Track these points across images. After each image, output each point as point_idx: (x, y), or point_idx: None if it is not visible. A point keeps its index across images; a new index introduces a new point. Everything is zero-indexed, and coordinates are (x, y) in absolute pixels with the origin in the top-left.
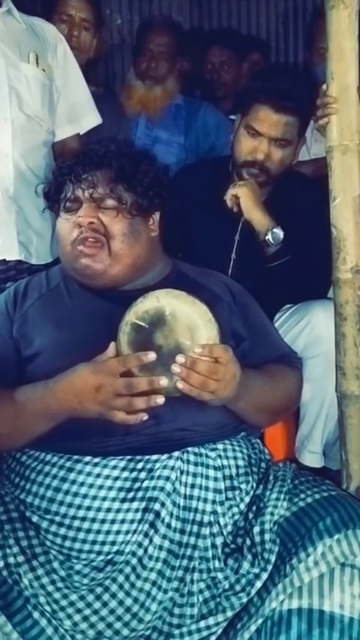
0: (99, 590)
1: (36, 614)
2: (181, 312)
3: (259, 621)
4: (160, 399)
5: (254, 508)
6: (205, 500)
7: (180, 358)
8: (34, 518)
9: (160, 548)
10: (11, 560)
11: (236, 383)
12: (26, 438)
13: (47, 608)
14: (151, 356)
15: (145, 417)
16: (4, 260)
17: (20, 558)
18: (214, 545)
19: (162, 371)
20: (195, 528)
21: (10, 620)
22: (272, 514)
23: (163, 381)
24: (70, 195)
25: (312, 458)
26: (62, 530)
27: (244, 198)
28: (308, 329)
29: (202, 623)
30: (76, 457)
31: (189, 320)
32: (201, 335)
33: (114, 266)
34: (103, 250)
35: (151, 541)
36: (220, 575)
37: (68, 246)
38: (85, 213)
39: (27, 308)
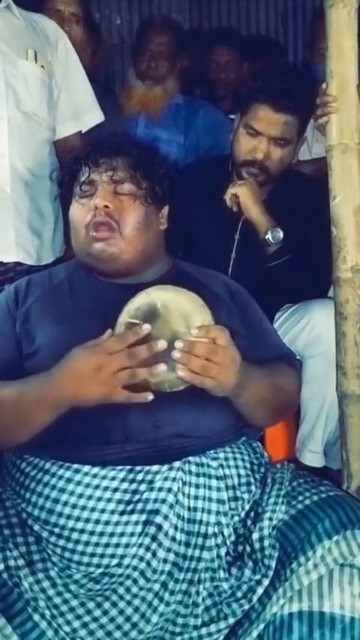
0: (100, 598)
1: (36, 617)
2: (172, 301)
3: (261, 627)
4: (162, 367)
5: (252, 514)
6: (209, 512)
7: (178, 343)
8: (36, 527)
9: (165, 561)
10: (12, 562)
11: (237, 368)
12: (28, 430)
13: (47, 612)
14: (146, 327)
15: (151, 396)
16: (2, 262)
17: (20, 562)
18: (218, 556)
19: (163, 364)
20: (200, 540)
21: (10, 622)
22: (271, 519)
23: (162, 343)
24: (85, 178)
25: (313, 457)
26: (61, 542)
27: (243, 198)
28: (308, 328)
29: (204, 630)
30: (75, 467)
31: (181, 308)
32: (195, 320)
33: (128, 251)
34: (115, 234)
35: (154, 555)
36: (225, 585)
37: (82, 231)
38: (102, 195)
39: (29, 305)
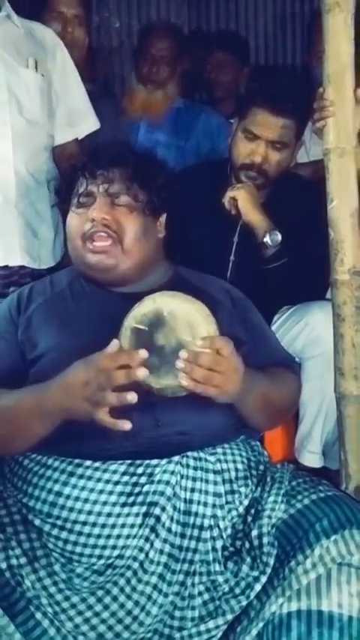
0: (100, 592)
1: (38, 615)
2: (178, 309)
3: (260, 625)
4: (132, 397)
5: (252, 511)
6: (205, 504)
7: (183, 353)
8: (37, 522)
9: (161, 552)
10: (14, 561)
11: (239, 377)
12: (25, 440)
13: (49, 609)
14: (142, 353)
15: (127, 426)
16: (6, 265)
17: (23, 560)
18: (214, 549)
19: (166, 370)
20: (195, 532)
21: (12, 621)
22: (270, 517)
23: (141, 372)
24: (83, 190)
25: (311, 458)
26: (63, 534)
27: (241, 201)
28: (307, 330)
29: (203, 627)
30: (76, 461)
31: (187, 316)
32: (201, 330)
33: (125, 261)
34: (115, 246)
35: (152, 545)
36: (220, 579)
37: (78, 240)
38: (99, 208)
39: (31, 312)
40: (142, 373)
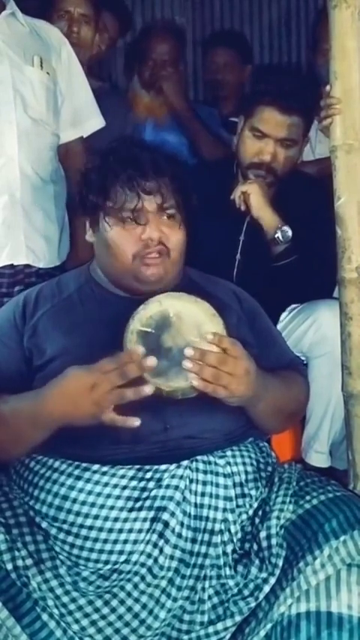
0: (107, 596)
1: (45, 616)
2: (184, 311)
3: (268, 626)
4: (148, 389)
5: (260, 512)
6: (216, 509)
7: (189, 350)
8: (43, 525)
9: (172, 557)
10: (20, 562)
11: (251, 380)
12: (22, 447)
13: (55, 611)
14: (152, 362)
15: (137, 422)
16: (12, 264)
17: (29, 561)
18: (225, 553)
19: (175, 372)
20: (206, 537)
21: (19, 622)
22: (278, 518)
23: (151, 361)
24: (134, 206)
25: (318, 458)
26: (70, 538)
27: (254, 196)
28: (314, 328)
29: (211, 629)
30: (84, 465)
31: (194, 317)
32: (208, 330)
33: (171, 271)
34: (165, 258)
35: (161, 551)
36: (230, 582)
37: (128, 258)
38: (155, 227)
39: (38, 318)
40: (152, 362)
